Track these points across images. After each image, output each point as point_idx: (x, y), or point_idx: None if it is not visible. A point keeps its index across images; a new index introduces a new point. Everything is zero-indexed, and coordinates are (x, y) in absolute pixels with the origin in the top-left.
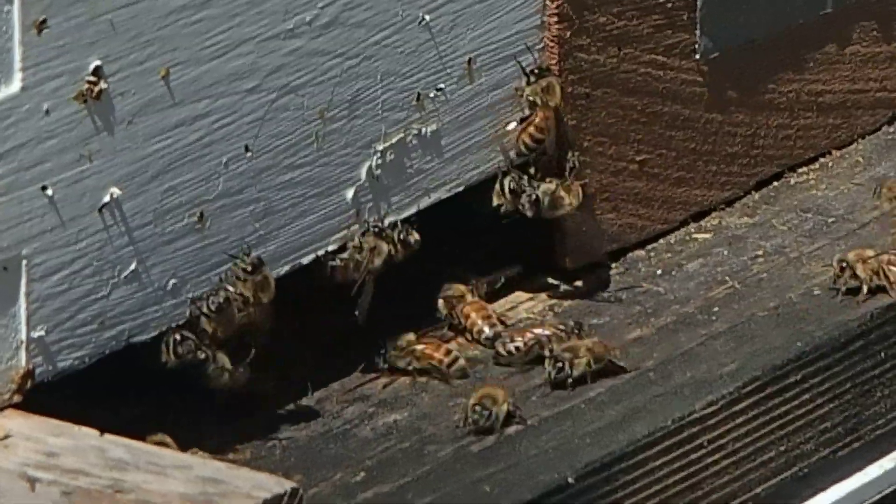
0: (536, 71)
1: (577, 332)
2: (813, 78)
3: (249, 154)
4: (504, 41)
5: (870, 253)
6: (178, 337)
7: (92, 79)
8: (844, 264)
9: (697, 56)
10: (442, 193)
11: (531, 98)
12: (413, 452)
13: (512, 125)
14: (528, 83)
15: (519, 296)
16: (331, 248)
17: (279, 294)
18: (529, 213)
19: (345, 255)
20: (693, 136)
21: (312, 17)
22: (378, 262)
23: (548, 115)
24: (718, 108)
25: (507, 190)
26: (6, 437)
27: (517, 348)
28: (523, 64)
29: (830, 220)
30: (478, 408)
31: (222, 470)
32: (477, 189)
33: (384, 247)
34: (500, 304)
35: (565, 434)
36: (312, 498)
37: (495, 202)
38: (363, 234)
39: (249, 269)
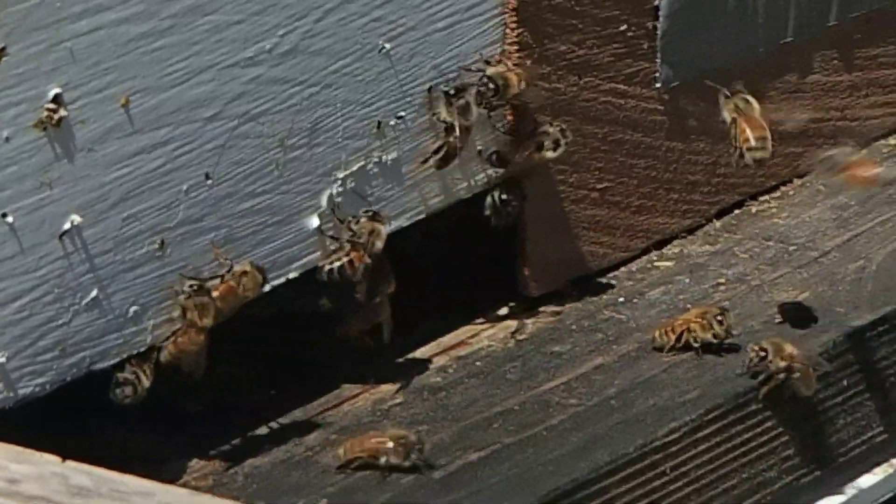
0: (453, 91)
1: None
2: (774, 107)
3: (210, 182)
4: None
5: (789, 349)
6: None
7: (52, 106)
8: (763, 353)
9: (658, 85)
10: (403, 221)
11: (448, 120)
12: (374, 480)
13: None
14: (447, 105)
15: (481, 325)
16: (291, 276)
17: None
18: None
19: (343, 252)
20: (654, 165)
21: (272, 45)
22: (379, 244)
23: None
24: (680, 136)
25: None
26: None
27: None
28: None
29: (792, 247)
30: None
31: (184, 497)
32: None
33: (381, 228)
34: (462, 332)
35: (527, 461)
36: None
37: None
38: (356, 222)
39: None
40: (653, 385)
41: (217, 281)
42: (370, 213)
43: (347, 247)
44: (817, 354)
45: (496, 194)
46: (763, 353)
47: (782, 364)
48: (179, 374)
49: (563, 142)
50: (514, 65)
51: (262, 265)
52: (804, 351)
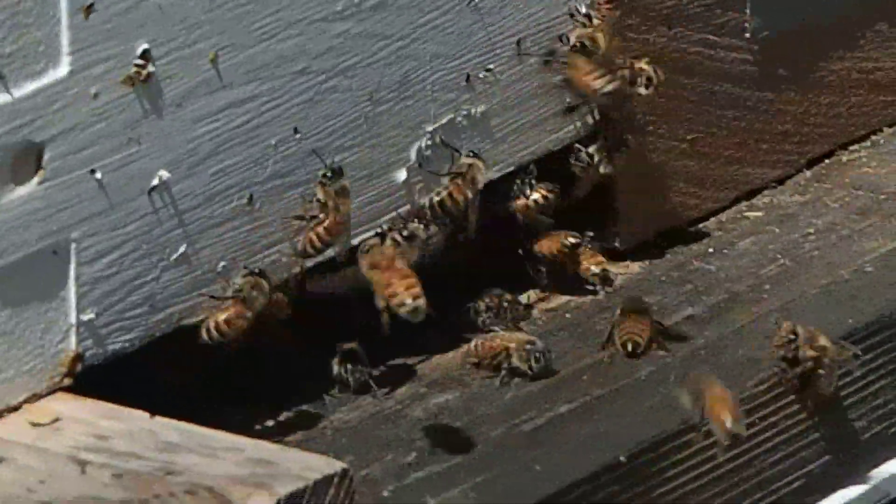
0: (329, 174)
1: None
2: (864, 56)
3: (298, 136)
4: (553, 21)
5: (822, 341)
6: None
7: (140, 62)
8: (794, 336)
9: (748, 35)
10: (493, 174)
11: (321, 199)
12: (462, 436)
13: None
14: (322, 184)
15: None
16: (380, 229)
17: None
18: None
19: (444, 189)
20: (744, 115)
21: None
22: (481, 180)
23: (339, 219)
24: (769, 86)
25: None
26: (56, 420)
27: None
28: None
29: (882, 197)
30: None
31: (273, 451)
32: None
33: (480, 165)
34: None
35: (617, 413)
36: (364, 479)
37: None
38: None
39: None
40: (741, 336)
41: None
42: (471, 153)
43: (446, 181)
44: (850, 351)
45: (584, 150)
46: (793, 337)
47: (811, 353)
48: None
49: (655, 79)
50: (600, 20)
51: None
52: (837, 346)
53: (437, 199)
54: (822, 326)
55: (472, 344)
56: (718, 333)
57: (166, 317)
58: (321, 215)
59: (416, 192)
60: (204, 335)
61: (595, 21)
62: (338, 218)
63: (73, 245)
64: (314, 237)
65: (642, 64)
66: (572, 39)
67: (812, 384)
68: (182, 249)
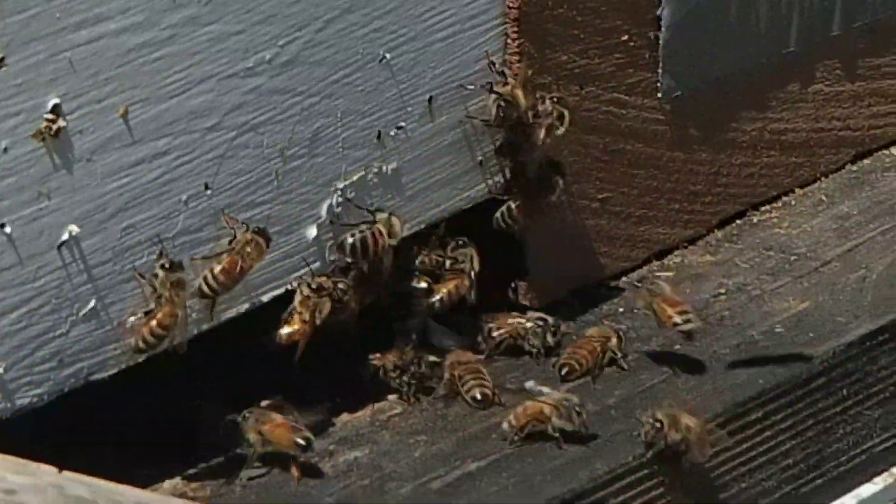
0: (168, 265)
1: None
2: (776, 117)
3: (209, 192)
4: (465, 79)
5: (685, 420)
6: None
7: (50, 116)
8: (659, 425)
9: (660, 95)
10: (404, 231)
11: (159, 292)
12: (374, 490)
13: (133, 318)
14: (160, 271)
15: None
16: (290, 286)
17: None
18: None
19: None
20: (655, 175)
21: (272, 56)
22: (398, 233)
23: (174, 311)
24: (681, 146)
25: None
26: None
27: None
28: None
29: (793, 257)
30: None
31: None
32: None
33: (397, 222)
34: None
35: (526, 471)
36: None
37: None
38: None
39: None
40: (653, 395)
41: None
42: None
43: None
44: (713, 426)
45: (504, 209)
46: (658, 425)
47: (678, 437)
48: None
49: (566, 114)
50: (513, 77)
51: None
52: (700, 421)
53: (358, 236)
54: (735, 382)
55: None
56: (630, 392)
57: (75, 371)
58: (155, 308)
59: (327, 249)
60: (204, 287)
61: (510, 79)
62: (172, 309)
63: None
64: (146, 332)
65: (546, 106)
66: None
67: (685, 454)
68: (91, 304)
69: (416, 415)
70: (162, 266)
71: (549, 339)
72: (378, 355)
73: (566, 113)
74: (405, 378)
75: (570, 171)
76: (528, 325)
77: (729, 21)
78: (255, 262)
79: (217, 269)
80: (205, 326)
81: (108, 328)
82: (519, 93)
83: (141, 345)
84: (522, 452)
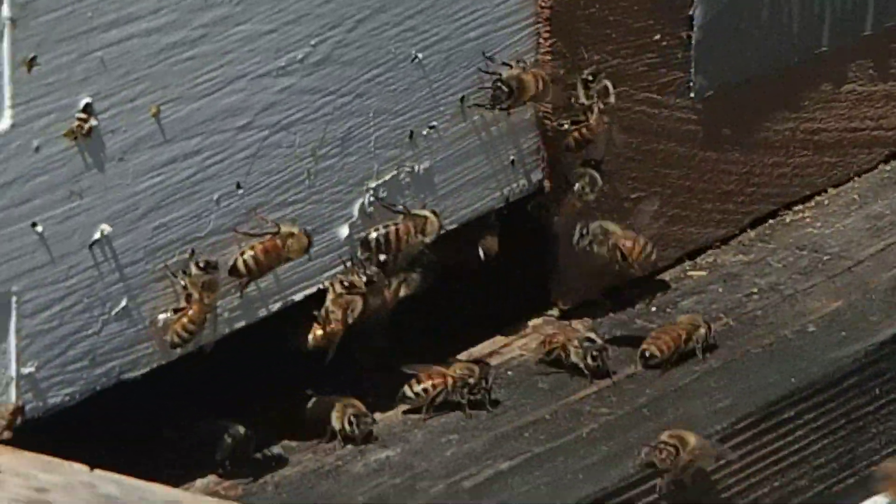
0: (202, 264)
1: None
2: (809, 116)
3: (241, 191)
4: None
5: (692, 442)
6: None
7: (82, 116)
8: (674, 450)
9: (692, 94)
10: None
11: (189, 291)
12: (405, 488)
13: (163, 315)
14: (189, 274)
15: (513, 334)
16: (322, 286)
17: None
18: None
19: (392, 224)
20: (688, 174)
21: (304, 55)
22: (431, 234)
23: (204, 309)
24: (713, 146)
25: None
26: None
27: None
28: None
29: (826, 257)
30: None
31: None
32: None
33: (434, 221)
34: (495, 341)
35: (557, 470)
36: None
37: None
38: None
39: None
40: (684, 394)
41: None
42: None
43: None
44: (718, 447)
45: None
46: (674, 451)
47: (687, 459)
48: None
49: (599, 181)
50: (533, 66)
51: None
52: (704, 442)
53: (382, 231)
54: (767, 381)
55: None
56: (661, 391)
57: (107, 370)
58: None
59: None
60: (241, 266)
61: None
62: (202, 308)
63: (14, 298)
64: (179, 328)
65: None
66: (504, 74)
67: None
68: (123, 303)
69: (447, 414)
70: (196, 264)
71: (589, 360)
72: (424, 382)
73: (609, 84)
74: (472, 394)
75: (603, 171)
76: (576, 342)
77: (761, 20)
78: (294, 256)
79: (259, 248)
80: (237, 325)
81: (139, 327)
82: (527, 77)
83: (176, 339)
84: (554, 451)
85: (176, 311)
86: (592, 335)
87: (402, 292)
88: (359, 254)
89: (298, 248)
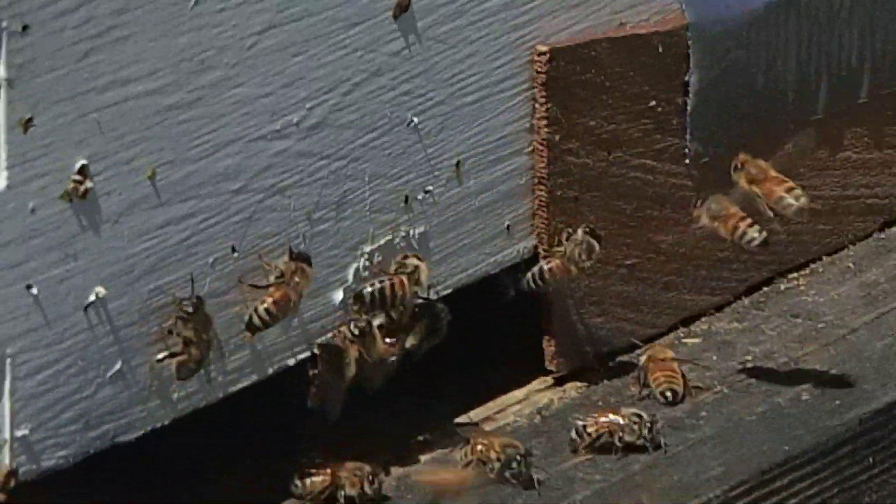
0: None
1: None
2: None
3: (236, 254)
4: (493, 144)
5: None
6: None
7: (78, 178)
8: None
9: (687, 161)
10: (430, 296)
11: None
12: None
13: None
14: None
15: (507, 398)
16: (316, 350)
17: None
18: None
19: (386, 279)
20: (683, 241)
21: (300, 119)
22: (424, 282)
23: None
24: None
25: None
26: None
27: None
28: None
29: (820, 325)
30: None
31: None
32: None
33: (425, 268)
34: (488, 407)
35: None
36: None
37: None
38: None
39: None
40: (677, 461)
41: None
42: (417, 256)
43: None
44: None
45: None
46: None
47: None
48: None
49: (596, 248)
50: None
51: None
52: None
53: (377, 286)
54: (760, 449)
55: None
56: (654, 459)
57: (101, 433)
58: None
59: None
60: (255, 320)
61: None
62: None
63: (9, 360)
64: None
65: (577, 235)
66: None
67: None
68: (118, 366)
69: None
70: (185, 312)
71: (646, 434)
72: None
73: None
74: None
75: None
76: (623, 421)
77: (756, 87)
78: (305, 288)
79: (269, 301)
80: (231, 389)
81: (134, 390)
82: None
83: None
84: None
85: (171, 355)
86: (637, 410)
87: (409, 343)
88: (354, 309)
89: (305, 280)
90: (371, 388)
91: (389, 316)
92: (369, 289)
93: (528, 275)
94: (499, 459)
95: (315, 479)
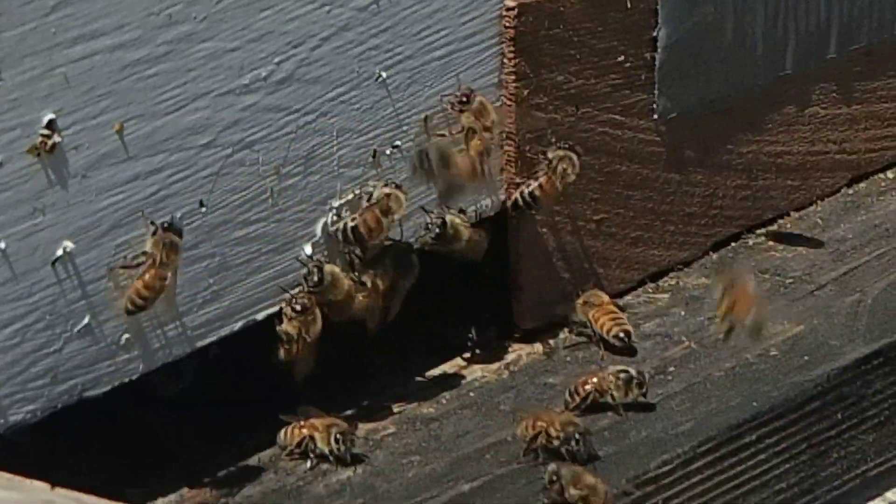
0: (165, 224)
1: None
2: (772, 139)
3: (204, 209)
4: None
5: (589, 479)
6: None
7: (46, 132)
8: (555, 477)
9: (655, 116)
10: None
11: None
12: None
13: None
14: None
15: (475, 356)
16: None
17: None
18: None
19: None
20: (651, 196)
21: (268, 73)
22: (396, 211)
23: (161, 273)
24: (677, 168)
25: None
26: None
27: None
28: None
29: (788, 280)
30: None
31: None
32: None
33: (399, 196)
34: (456, 363)
35: (519, 492)
36: None
37: None
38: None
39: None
40: (646, 417)
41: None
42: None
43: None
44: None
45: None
46: (555, 478)
47: (576, 493)
48: None
49: (576, 159)
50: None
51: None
52: (605, 486)
53: (350, 224)
54: (728, 405)
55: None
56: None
57: (69, 388)
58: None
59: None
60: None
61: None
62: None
63: None
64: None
65: (557, 152)
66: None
67: None
68: (86, 321)
69: (409, 435)
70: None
71: (635, 391)
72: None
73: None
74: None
75: (564, 192)
76: (611, 378)
77: (725, 43)
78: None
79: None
80: (199, 344)
81: (102, 345)
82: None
83: (129, 307)
84: (515, 473)
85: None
86: (625, 367)
87: (382, 286)
88: (340, 246)
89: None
90: (371, 330)
91: (359, 254)
92: (344, 224)
93: (517, 195)
94: (558, 437)
95: (293, 432)
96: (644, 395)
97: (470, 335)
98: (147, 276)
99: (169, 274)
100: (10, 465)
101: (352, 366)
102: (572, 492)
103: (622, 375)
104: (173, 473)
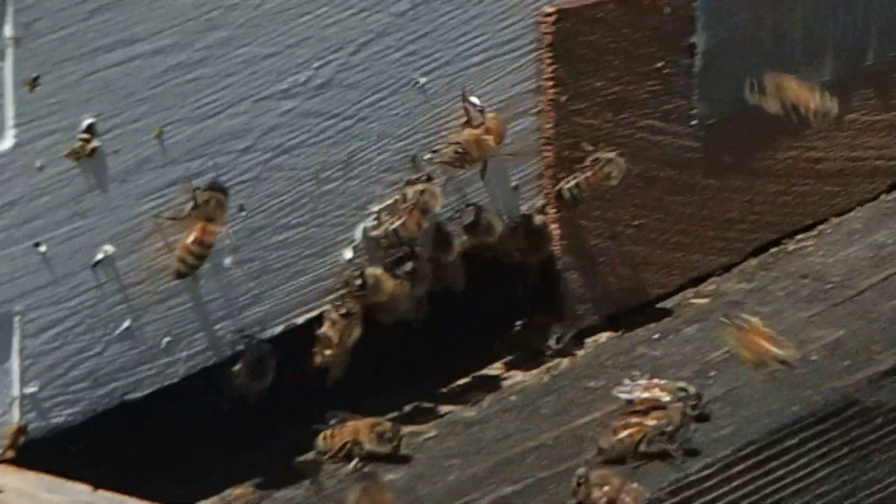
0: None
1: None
2: (811, 145)
3: (244, 213)
4: (500, 104)
5: (615, 480)
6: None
7: (85, 136)
8: (582, 480)
9: (694, 122)
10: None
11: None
12: None
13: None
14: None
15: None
16: (324, 309)
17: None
18: None
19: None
20: (691, 201)
21: (307, 78)
22: (434, 206)
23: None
24: (716, 173)
25: None
26: None
27: None
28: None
29: (828, 286)
30: None
31: None
32: None
33: (433, 190)
34: (496, 367)
35: (561, 495)
36: None
37: None
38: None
39: None
40: None
41: None
42: (424, 178)
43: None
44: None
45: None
46: (582, 480)
47: (599, 494)
48: None
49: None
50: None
51: None
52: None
53: (391, 227)
54: (769, 409)
55: None
56: None
57: (110, 391)
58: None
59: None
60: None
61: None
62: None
63: (17, 318)
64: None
65: (606, 154)
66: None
67: None
68: (126, 324)
69: (451, 438)
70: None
71: (689, 412)
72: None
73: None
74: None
75: (604, 197)
76: (667, 397)
77: (764, 49)
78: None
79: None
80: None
81: (142, 348)
82: (472, 143)
83: (181, 266)
84: (557, 476)
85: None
86: (682, 385)
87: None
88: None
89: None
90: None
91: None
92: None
93: (563, 186)
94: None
95: (332, 437)
96: (700, 416)
97: (550, 342)
98: (196, 232)
99: (218, 229)
100: (52, 467)
101: (391, 369)
102: (597, 494)
103: (680, 394)
104: (215, 476)
